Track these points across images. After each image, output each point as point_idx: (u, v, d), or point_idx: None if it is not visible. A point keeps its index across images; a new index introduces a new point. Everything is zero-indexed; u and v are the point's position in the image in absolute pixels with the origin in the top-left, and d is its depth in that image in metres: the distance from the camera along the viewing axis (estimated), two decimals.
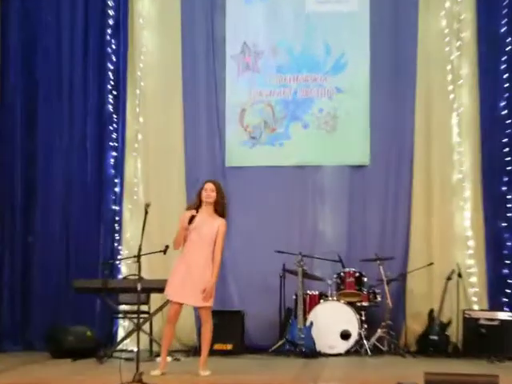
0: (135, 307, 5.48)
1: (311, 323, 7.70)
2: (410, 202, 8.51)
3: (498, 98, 8.42)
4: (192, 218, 6.06)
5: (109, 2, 8.85)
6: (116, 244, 8.65)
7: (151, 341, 7.60)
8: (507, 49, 8.39)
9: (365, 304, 8.07)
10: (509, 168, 8.33)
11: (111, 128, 8.80)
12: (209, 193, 6.16)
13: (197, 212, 6.12)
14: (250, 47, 8.90)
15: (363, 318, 7.97)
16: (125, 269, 8.56)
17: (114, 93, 8.83)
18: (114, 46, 8.85)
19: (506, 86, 8.38)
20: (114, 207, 8.73)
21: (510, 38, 8.40)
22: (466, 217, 8.38)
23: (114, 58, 8.87)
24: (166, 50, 8.94)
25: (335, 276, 8.17)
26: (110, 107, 8.82)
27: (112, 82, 8.84)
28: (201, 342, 6.21)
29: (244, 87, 8.87)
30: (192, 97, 8.83)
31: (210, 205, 6.15)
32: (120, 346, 7.74)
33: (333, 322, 7.81)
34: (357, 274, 8.11)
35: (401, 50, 8.66)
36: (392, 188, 8.59)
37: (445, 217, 8.44)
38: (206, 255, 6.08)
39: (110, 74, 8.85)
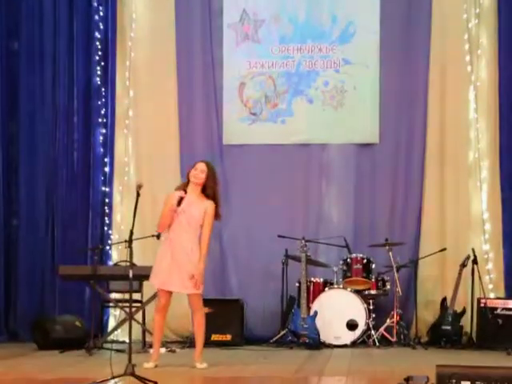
0: (127, 295, 5.56)
1: (315, 312, 7.80)
2: (421, 183, 8.58)
3: None
4: (181, 200, 6.11)
5: None
6: (106, 228, 8.73)
7: (144, 331, 7.70)
8: None
9: (373, 292, 8.18)
10: None
11: (99, 103, 8.84)
12: (198, 173, 6.16)
13: (185, 193, 6.16)
14: (249, 15, 8.92)
15: (371, 307, 8.08)
16: (115, 255, 8.66)
17: (102, 64, 8.86)
18: (101, 13, 8.87)
19: None
20: (103, 188, 8.81)
21: None
22: (482, 199, 8.46)
23: (101, 26, 8.89)
24: (159, 17, 8.95)
25: (341, 262, 8.26)
26: (98, 80, 8.86)
27: (100, 53, 8.87)
28: (194, 332, 6.29)
29: (243, 59, 8.90)
30: (187, 69, 8.85)
31: (198, 186, 6.16)
32: (111, 337, 7.85)
33: (338, 311, 7.92)
34: (364, 261, 8.19)
35: (413, 18, 8.67)
36: (403, 168, 8.65)
37: (459, 199, 8.51)
38: (192, 239, 6.12)
39: (97, 43, 8.86)
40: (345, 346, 7.80)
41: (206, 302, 7.53)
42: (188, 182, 6.20)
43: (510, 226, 8.37)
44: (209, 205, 6.15)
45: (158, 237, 7.07)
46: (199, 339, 6.21)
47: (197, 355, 6.19)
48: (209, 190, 6.16)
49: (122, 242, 7.68)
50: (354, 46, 8.77)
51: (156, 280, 6.17)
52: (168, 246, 6.15)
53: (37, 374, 5.72)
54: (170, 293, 6.20)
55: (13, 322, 8.60)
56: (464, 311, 8.05)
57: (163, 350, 6.79)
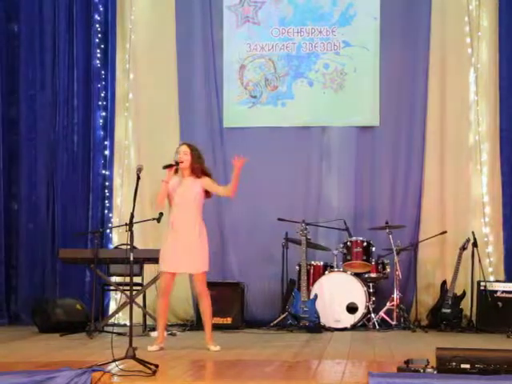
0: (127, 279, 5.56)
1: (315, 296, 7.82)
2: (422, 166, 8.57)
3: None
4: (171, 166, 6.11)
5: None
6: (106, 211, 8.75)
7: (144, 315, 7.72)
8: None
9: (373, 275, 8.18)
10: None
11: (99, 85, 8.84)
12: (182, 156, 6.19)
13: (176, 172, 6.18)
14: None
15: (371, 290, 8.09)
16: (116, 238, 8.68)
17: (102, 47, 8.84)
18: None
19: None
20: (103, 172, 8.81)
21: None
22: (482, 182, 8.46)
23: (101, 8, 8.87)
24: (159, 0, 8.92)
25: (341, 245, 8.27)
26: (98, 62, 8.84)
27: (99, 35, 8.85)
28: (202, 315, 6.31)
29: (243, 41, 8.87)
30: (187, 52, 8.82)
31: (186, 169, 6.20)
32: (111, 320, 7.88)
33: (338, 294, 7.93)
34: (364, 244, 8.20)
35: (414, 0, 8.62)
36: (403, 150, 8.64)
37: (460, 182, 8.51)
38: (194, 215, 6.15)
39: (97, 25, 8.85)
40: (345, 329, 7.82)
41: (207, 285, 7.56)
42: (176, 165, 6.18)
43: (510, 209, 8.38)
44: (204, 180, 6.20)
45: (159, 220, 7.08)
46: (208, 322, 6.24)
47: (208, 338, 6.22)
48: (197, 170, 6.20)
49: (122, 226, 7.71)
50: (355, 28, 8.74)
51: (162, 264, 6.20)
52: (171, 230, 6.18)
53: (38, 357, 5.73)
54: (173, 275, 6.21)
55: (14, 306, 8.64)
56: (464, 294, 8.06)
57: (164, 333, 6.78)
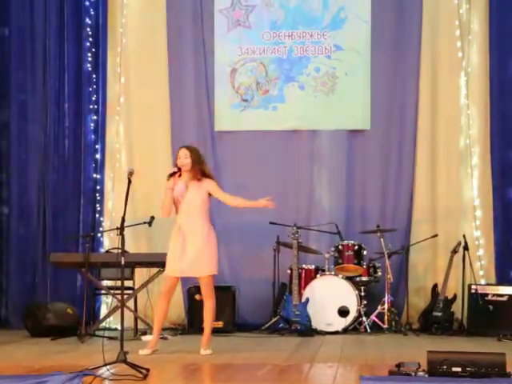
0: (118, 283, 5.56)
1: (307, 299, 7.82)
2: (413, 170, 8.59)
3: (510, 56, 8.43)
4: (174, 174, 6.15)
5: None
6: (97, 215, 8.73)
7: (136, 318, 7.71)
8: None
9: (364, 279, 8.19)
10: None
11: (90, 89, 8.83)
12: (182, 160, 6.22)
13: (179, 176, 6.20)
14: (240, 0, 8.89)
15: (362, 294, 8.10)
16: (107, 242, 8.67)
17: (93, 50, 8.84)
18: None
19: None
20: (94, 175, 8.79)
21: None
22: (473, 185, 8.48)
23: (92, 12, 8.87)
24: (150, 3, 8.94)
25: (333, 249, 8.27)
26: (89, 66, 8.83)
27: (90, 39, 8.85)
28: (204, 318, 6.34)
29: (234, 44, 8.87)
30: (178, 55, 8.83)
31: (189, 172, 6.22)
32: (103, 324, 7.87)
33: (330, 297, 7.94)
34: (356, 247, 8.21)
35: (405, 3, 8.65)
36: (394, 154, 8.65)
37: (451, 185, 8.54)
38: (200, 221, 6.19)
39: (88, 29, 8.84)
40: (336, 332, 7.82)
41: (198, 289, 7.56)
42: (179, 171, 6.19)
43: (501, 213, 8.38)
44: (207, 182, 6.25)
45: (150, 224, 7.10)
46: (208, 325, 6.27)
47: (204, 341, 6.24)
48: (199, 173, 6.22)
49: (113, 229, 7.70)
50: (346, 32, 8.75)
51: (168, 267, 6.22)
52: (177, 233, 6.20)
53: (29, 361, 5.72)
54: (177, 281, 6.27)
55: (4, 310, 8.63)
56: (455, 297, 8.08)
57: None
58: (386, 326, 7.94)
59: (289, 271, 8.06)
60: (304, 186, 8.73)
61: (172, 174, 6.21)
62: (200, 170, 6.24)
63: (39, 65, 8.80)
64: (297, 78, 8.81)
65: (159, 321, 6.30)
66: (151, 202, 8.39)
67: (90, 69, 8.82)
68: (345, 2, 8.74)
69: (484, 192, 8.45)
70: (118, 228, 5.57)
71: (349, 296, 7.94)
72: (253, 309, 8.36)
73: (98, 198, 8.75)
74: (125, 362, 5.04)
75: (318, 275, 8.11)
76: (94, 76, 8.83)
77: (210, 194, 6.28)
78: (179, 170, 6.22)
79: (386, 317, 7.97)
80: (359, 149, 8.70)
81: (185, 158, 6.22)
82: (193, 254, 6.14)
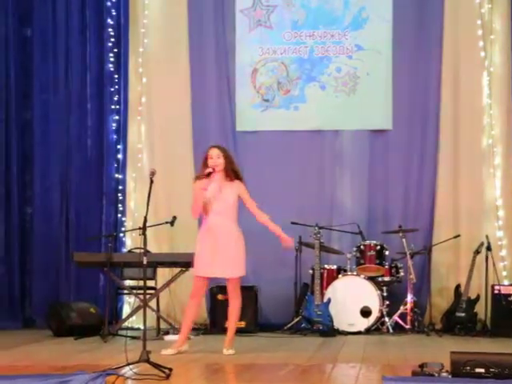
0: (141, 282, 5.58)
1: (329, 299, 7.81)
2: (435, 170, 8.55)
3: None
4: (209, 174, 6.10)
5: None
6: (119, 215, 8.77)
7: (158, 318, 7.74)
8: None
9: (386, 279, 8.17)
10: None
11: (112, 89, 8.86)
12: (215, 160, 6.16)
13: (209, 176, 6.13)
14: (261, 0, 8.89)
15: (384, 294, 8.08)
16: (129, 242, 8.69)
17: (115, 51, 8.87)
18: (113, 0, 8.86)
19: None
20: (116, 175, 8.83)
21: None
22: (495, 185, 8.43)
23: (113, 13, 8.89)
24: (172, 3, 8.95)
25: (355, 249, 8.25)
26: (111, 66, 8.87)
27: (112, 39, 8.88)
28: (228, 318, 6.33)
29: (255, 44, 8.88)
30: (199, 55, 8.84)
31: (221, 172, 6.18)
32: (125, 324, 7.89)
33: (352, 298, 7.92)
34: (378, 247, 8.19)
35: (426, 3, 8.62)
36: (416, 154, 8.62)
37: (473, 185, 8.49)
38: (230, 222, 6.18)
39: (109, 30, 8.87)
40: (359, 332, 7.80)
41: (221, 289, 7.59)
42: (208, 171, 6.14)
43: None
44: (238, 185, 6.21)
45: (172, 223, 7.10)
46: (232, 325, 6.26)
47: (227, 341, 6.22)
48: (231, 172, 6.19)
49: (135, 229, 7.73)
50: (367, 31, 8.73)
51: (196, 268, 6.18)
52: (207, 234, 6.16)
53: (52, 360, 5.75)
54: (206, 281, 6.22)
55: (28, 309, 8.69)
56: (478, 298, 8.03)
57: (175, 337, 6.79)
58: (408, 327, 7.91)
59: (311, 271, 8.04)
60: (326, 186, 8.71)
61: (208, 175, 6.13)
62: (233, 171, 6.22)
63: (61, 65, 8.85)
64: (318, 78, 8.80)
65: (189, 322, 6.27)
66: (173, 202, 8.42)
67: (111, 69, 8.86)
68: (366, 2, 8.72)
69: (507, 192, 8.41)
70: (140, 228, 5.58)
71: (371, 296, 7.92)
72: (275, 309, 8.36)
73: (120, 197, 8.78)
74: (148, 361, 5.05)
75: (339, 275, 8.10)
76: (116, 76, 8.86)
77: (238, 196, 6.26)
78: (213, 170, 6.17)
79: (408, 317, 7.94)
80: (381, 149, 8.67)
81: (217, 158, 6.16)
82: (225, 255, 6.10)
